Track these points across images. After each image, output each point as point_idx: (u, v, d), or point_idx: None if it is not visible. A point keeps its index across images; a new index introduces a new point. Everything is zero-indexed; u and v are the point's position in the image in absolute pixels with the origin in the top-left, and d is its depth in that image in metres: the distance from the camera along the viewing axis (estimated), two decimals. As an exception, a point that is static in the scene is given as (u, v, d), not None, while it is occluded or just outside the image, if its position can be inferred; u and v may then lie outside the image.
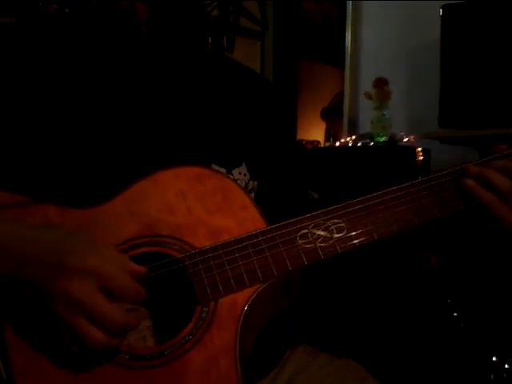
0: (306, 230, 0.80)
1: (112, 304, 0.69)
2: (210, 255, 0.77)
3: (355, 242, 0.80)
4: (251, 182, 0.95)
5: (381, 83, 2.56)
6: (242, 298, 0.77)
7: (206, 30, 1.01)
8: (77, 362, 0.72)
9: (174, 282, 0.77)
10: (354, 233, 0.80)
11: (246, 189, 0.93)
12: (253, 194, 0.96)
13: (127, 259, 0.73)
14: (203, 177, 0.81)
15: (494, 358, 2.09)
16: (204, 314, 0.76)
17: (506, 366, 2.06)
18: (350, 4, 2.97)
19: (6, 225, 0.72)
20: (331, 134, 3.48)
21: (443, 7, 2.27)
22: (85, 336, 0.68)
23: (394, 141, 2.52)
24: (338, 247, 0.80)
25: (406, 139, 2.51)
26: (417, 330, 2.08)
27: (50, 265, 0.68)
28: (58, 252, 0.69)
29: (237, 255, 0.78)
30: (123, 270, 0.71)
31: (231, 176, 0.91)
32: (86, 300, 0.67)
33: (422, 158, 2.46)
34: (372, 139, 2.58)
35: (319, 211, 0.81)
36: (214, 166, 0.90)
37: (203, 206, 0.80)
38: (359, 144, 2.60)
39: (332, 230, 0.80)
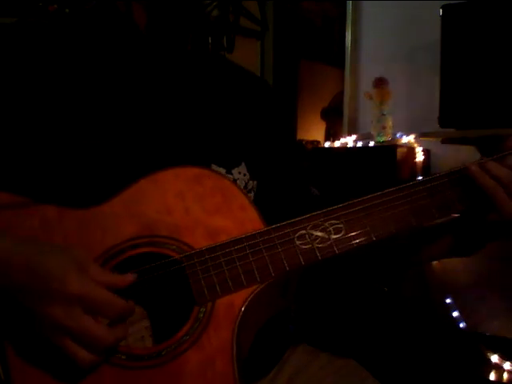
0: (303, 231, 0.80)
1: (98, 324, 0.69)
2: (208, 256, 0.77)
3: (353, 242, 0.80)
4: (251, 181, 0.95)
5: (381, 83, 2.56)
6: (240, 299, 0.77)
7: (205, 30, 1.01)
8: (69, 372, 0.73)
9: (171, 283, 0.77)
10: (351, 234, 0.80)
11: (245, 188, 0.93)
12: (252, 194, 0.96)
13: (110, 275, 0.73)
14: (202, 177, 0.81)
15: (493, 358, 2.09)
16: (201, 315, 0.76)
17: (506, 366, 2.06)
18: (349, 4, 2.97)
19: None
20: (331, 134, 3.48)
21: (443, 7, 2.27)
22: (73, 357, 0.69)
23: (393, 141, 2.52)
24: (335, 248, 0.80)
25: (405, 139, 2.51)
26: (417, 330, 2.08)
27: (36, 290, 0.69)
28: (42, 276, 0.69)
29: (234, 256, 0.78)
30: (106, 288, 0.71)
31: (231, 176, 0.91)
32: (71, 324, 0.68)
33: (422, 157, 2.46)
34: (372, 139, 2.58)
35: (317, 212, 0.81)
36: (213, 166, 0.90)
37: (202, 206, 0.80)
38: (359, 144, 2.60)
39: (330, 230, 0.80)
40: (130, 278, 0.74)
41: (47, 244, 0.74)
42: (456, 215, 0.84)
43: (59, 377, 0.73)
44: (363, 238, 0.81)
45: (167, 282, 0.77)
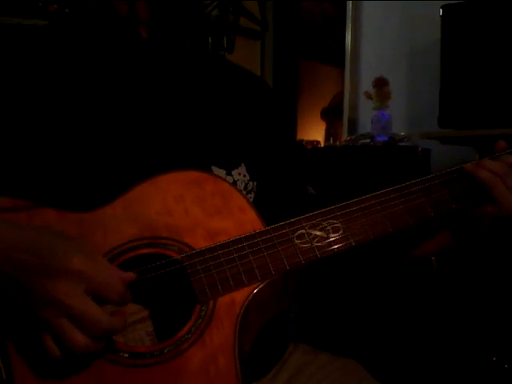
0: (302, 231, 0.81)
1: (97, 307, 0.67)
2: (208, 256, 0.78)
3: (351, 241, 0.81)
4: (251, 182, 0.96)
5: (381, 83, 2.56)
6: (241, 297, 0.77)
7: (205, 30, 1.01)
8: (61, 364, 0.70)
9: (173, 282, 0.78)
10: (349, 232, 0.82)
11: (245, 189, 0.94)
12: (252, 195, 0.96)
13: (113, 265, 0.73)
14: (202, 181, 0.82)
15: (494, 358, 2.09)
16: (203, 313, 0.76)
17: (506, 366, 2.06)
18: (350, 4, 2.97)
19: None
20: (331, 134, 3.49)
21: (443, 7, 2.27)
22: (67, 338, 0.66)
23: (393, 141, 2.52)
24: (334, 247, 0.81)
25: (405, 139, 2.52)
26: (417, 329, 2.08)
27: (37, 266, 0.67)
28: (45, 254, 0.68)
29: (235, 255, 0.78)
30: (109, 272, 0.70)
31: (231, 177, 0.91)
32: (70, 302, 0.66)
33: (421, 158, 2.46)
34: (372, 139, 2.58)
35: (316, 212, 0.82)
36: (213, 168, 0.90)
37: (202, 208, 0.80)
38: (359, 144, 2.60)
39: (328, 230, 0.81)
40: (130, 275, 0.72)
41: (48, 230, 0.73)
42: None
43: (53, 365, 0.70)
44: (361, 237, 0.82)
45: (169, 282, 0.78)
